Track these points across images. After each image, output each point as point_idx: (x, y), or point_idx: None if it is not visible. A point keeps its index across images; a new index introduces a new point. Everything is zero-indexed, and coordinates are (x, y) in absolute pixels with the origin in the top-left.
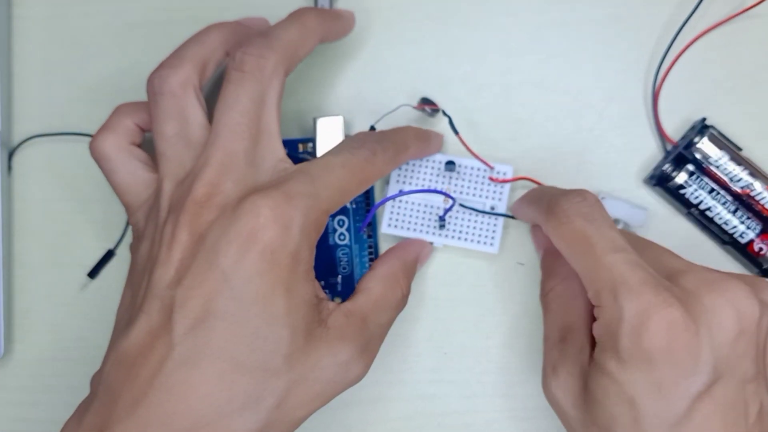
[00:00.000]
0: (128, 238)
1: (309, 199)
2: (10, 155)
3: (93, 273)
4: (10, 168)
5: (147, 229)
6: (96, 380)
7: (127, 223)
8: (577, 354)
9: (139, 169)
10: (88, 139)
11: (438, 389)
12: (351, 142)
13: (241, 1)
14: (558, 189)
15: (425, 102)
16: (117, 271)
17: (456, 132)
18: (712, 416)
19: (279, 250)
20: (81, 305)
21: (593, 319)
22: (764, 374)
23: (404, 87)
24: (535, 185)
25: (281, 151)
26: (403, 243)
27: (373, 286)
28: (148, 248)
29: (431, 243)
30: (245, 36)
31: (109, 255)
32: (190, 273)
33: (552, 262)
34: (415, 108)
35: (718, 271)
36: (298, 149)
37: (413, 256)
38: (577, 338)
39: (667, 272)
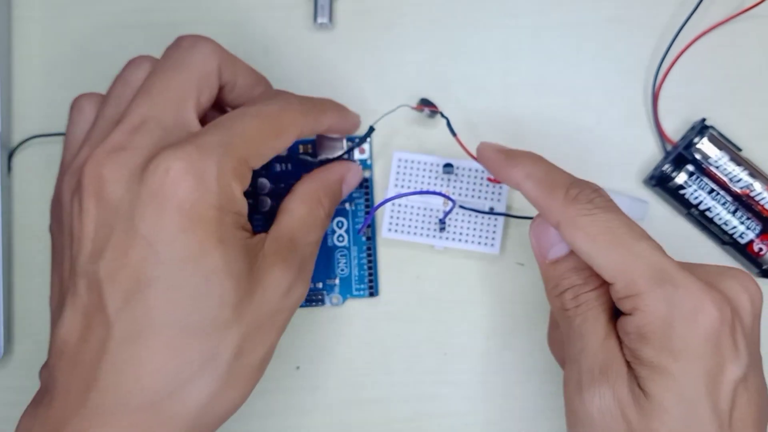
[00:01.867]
0: None
1: (221, 148)
2: (10, 155)
3: None
4: (10, 168)
5: (63, 199)
6: (44, 374)
7: None
8: (615, 381)
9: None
10: None
11: (438, 390)
12: (267, 94)
13: (241, 3)
14: (563, 175)
15: (424, 103)
16: None
17: (454, 134)
18: (751, 401)
19: (198, 203)
20: None
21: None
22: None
23: (404, 87)
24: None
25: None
26: (327, 165)
27: (295, 207)
28: (68, 222)
29: (359, 165)
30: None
31: None
32: (110, 244)
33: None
34: (413, 109)
35: (714, 264)
36: (299, 150)
37: (336, 177)
38: (615, 366)
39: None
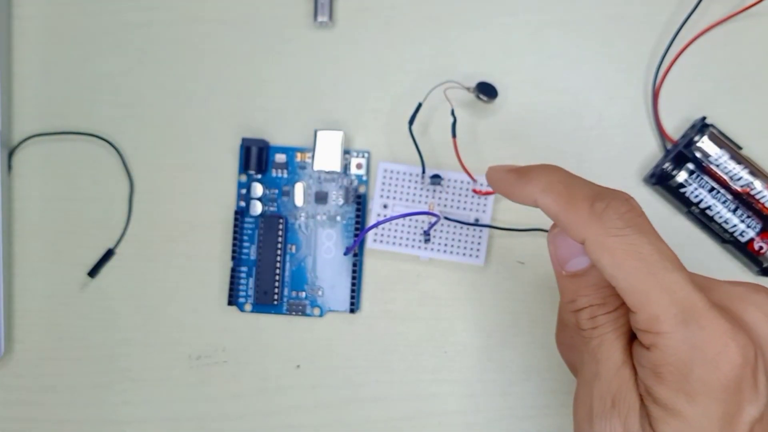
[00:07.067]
0: (128, 237)
1: None
2: (10, 155)
3: (93, 272)
4: (10, 168)
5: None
6: None
7: (128, 222)
8: (626, 416)
9: None
10: (88, 138)
11: (439, 388)
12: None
13: (241, 1)
14: (586, 185)
15: (482, 89)
16: (117, 270)
17: (454, 135)
18: None
19: None
20: (81, 305)
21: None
22: None
23: (404, 87)
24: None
25: None
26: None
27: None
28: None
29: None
30: None
31: (109, 254)
32: None
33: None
34: (469, 91)
35: (735, 282)
36: (296, 158)
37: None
38: (628, 398)
39: None
